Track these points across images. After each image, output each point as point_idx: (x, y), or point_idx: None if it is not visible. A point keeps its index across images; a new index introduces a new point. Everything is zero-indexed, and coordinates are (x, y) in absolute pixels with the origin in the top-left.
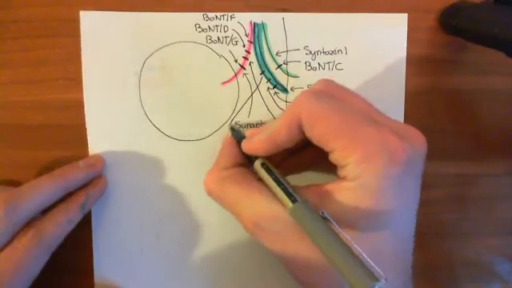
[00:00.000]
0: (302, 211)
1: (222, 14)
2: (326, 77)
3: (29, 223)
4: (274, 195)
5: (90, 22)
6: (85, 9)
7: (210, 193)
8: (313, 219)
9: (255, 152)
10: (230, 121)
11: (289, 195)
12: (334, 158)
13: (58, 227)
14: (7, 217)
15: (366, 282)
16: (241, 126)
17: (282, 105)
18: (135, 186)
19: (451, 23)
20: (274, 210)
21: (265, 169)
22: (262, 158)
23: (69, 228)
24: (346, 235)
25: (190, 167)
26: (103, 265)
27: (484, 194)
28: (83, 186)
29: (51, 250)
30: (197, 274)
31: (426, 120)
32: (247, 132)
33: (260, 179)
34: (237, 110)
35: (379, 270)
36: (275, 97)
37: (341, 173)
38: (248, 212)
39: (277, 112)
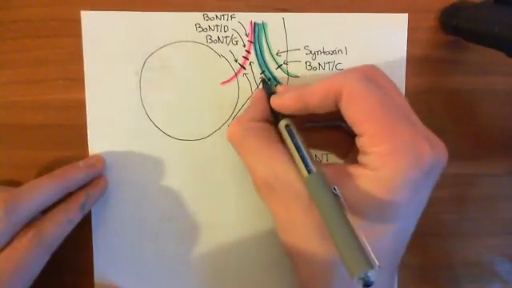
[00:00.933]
0: (317, 182)
1: (222, 13)
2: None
3: (29, 223)
4: (293, 160)
5: (91, 21)
6: (85, 9)
7: (231, 138)
8: (325, 192)
9: (283, 108)
10: (230, 121)
11: (306, 164)
12: (360, 142)
13: (58, 227)
14: (7, 217)
15: (361, 266)
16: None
17: None
18: (135, 185)
19: (451, 23)
20: (289, 175)
21: (288, 131)
22: (289, 119)
23: (69, 228)
24: (351, 218)
25: (190, 167)
26: (103, 265)
27: (484, 194)
28: (83, 186)
29: (51, 250)
30: (196, 274)
31: (426, 120)
32: (279, 87)
33: (283, 141)
34: (237, 109)
35: (374, 258)
36: None
37: (362, 160)
38: (262, 170)
39: None
